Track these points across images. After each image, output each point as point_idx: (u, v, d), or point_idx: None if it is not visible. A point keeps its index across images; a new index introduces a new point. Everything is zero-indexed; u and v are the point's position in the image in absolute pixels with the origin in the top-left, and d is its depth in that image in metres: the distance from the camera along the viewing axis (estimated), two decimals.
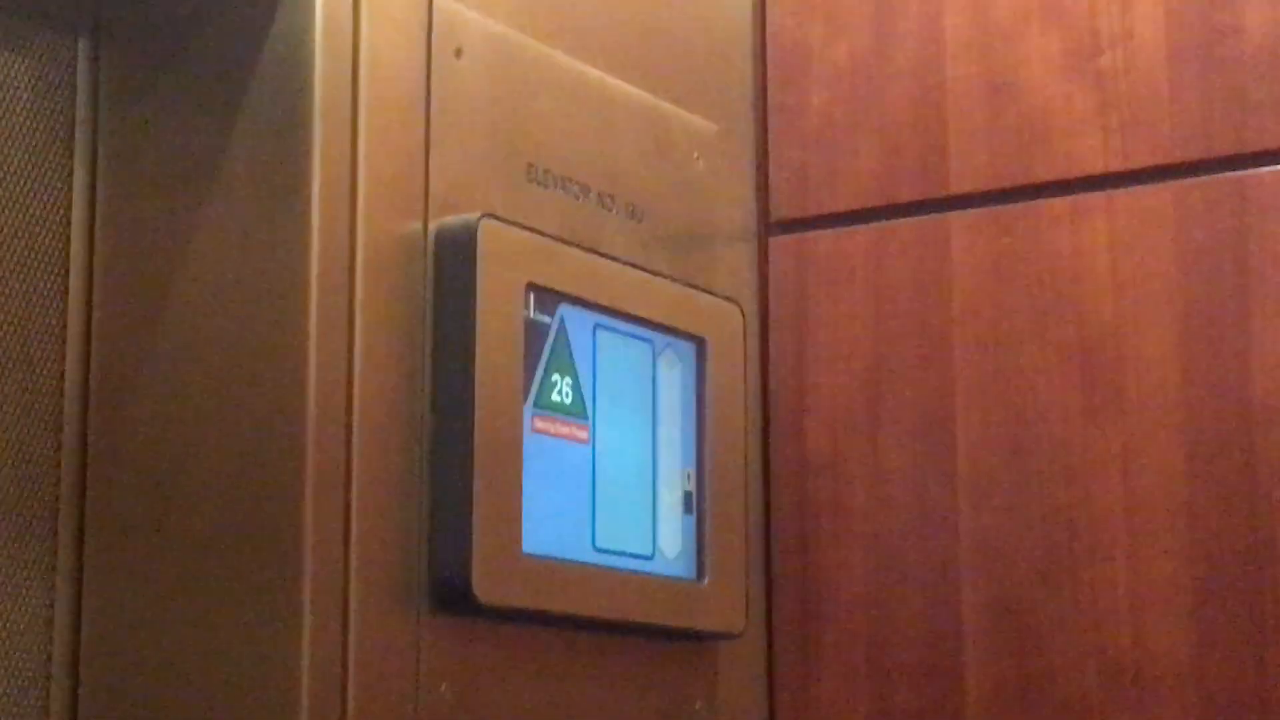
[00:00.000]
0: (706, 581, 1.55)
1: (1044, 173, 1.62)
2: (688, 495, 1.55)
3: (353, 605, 1.30)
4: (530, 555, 1.39)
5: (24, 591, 1.34)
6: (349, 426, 1.31)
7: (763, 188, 1.73)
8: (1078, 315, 1.59)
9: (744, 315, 1.62)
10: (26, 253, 1.37)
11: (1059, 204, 1.61)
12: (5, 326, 1.35)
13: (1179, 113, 1.57)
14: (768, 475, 1.69)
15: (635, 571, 1.49)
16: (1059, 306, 1.60)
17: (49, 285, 1.38)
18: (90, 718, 1.34)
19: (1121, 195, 1.59)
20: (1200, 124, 1.56)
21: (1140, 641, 1.53)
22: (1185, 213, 1.56)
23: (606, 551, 1.47)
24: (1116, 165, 1.59)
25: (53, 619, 1.35)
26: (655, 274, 1.55)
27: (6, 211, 1.36)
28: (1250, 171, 1.54)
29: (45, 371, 1.37)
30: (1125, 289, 1.58)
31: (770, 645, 1.66)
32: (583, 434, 1.46)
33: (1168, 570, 1.53)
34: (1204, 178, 1.56)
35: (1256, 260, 1.53)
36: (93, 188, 1.39)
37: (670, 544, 1.53)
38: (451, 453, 1.35)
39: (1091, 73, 1.61)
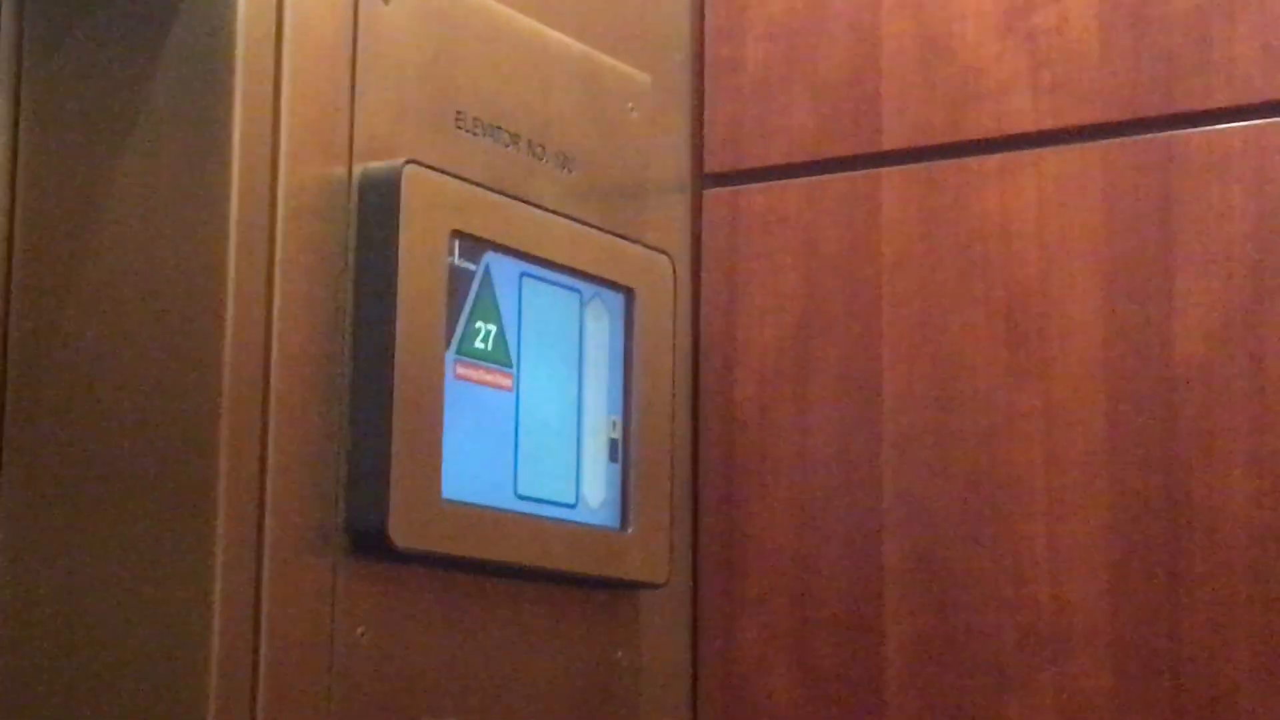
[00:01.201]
0: (630, 531, 1.56)
1: (975, 130, 1.62)
2: (613, 443, 1.56)
3: (267, 548, 1.30)
4: (450, 501, 1.40)
5: None
6: (267, 369, 1.31)
7: (697, 140, 1.73)
8: (1005, 273, 1.60)
9: (675, 267, 1.62)
10: None
11: (989, 161, 1.62)
12: None
13: (1109, 73, 1.58)
14: (695, 427, 1.69)
15: (558, 519, 1.50)
16: (986, 264, 1.60)
17: None
18: (2, 663, 1.35)
19: (1050, 154, 1.59)
20: (1129, 85, 1.57)
21: (1058, 598, 1.54)
22: (1113, 173, 1.57)
23: (529, 499, 1.48)
24: (1046, 124, 1.60)
25: None
26: (585, 224, 1.55)
27: None
28: (1178, 132, 1.55)
29: None
30: (1052, 247, 1.58)
31: (694, 596, 1.67)
32: (506, 381, 1.47)
33: (1087, 528, 1.54)
34: (1132, 138, 1.57)
35: (1181, 221, 1.54)
36: (15, 131, 1.39)
37: (594, 493, 1.54)
38: (370, 397, 1.36)
39: (1024, 32, 1.61)
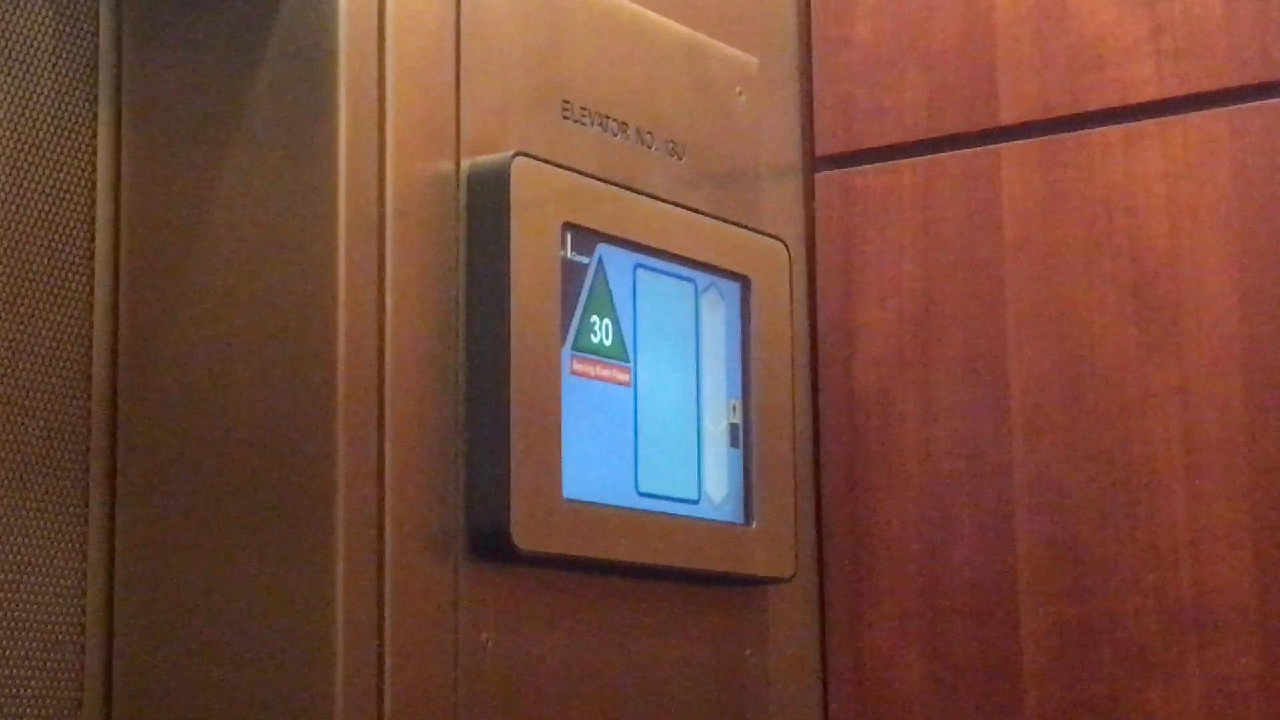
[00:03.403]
0: (754, 525, 1.52)
1: (1096, 101, 1.57)
2: (733, 428, 1.52)
3: (388, 555, 1.27)
4: (571, 500, 1.36)
5: (56, 542, 1.32)
6: (381, 372, 1.28)
7: (807, 122, 1.69)
8: (1132, 247, 1.55)
9: (790, 253, 1.58)
10: (51, 200, 1.34)
11: (1112, 133, 1.56)
12: (32, 277, 1.33)
13: (1235, 35, 1.52)
14: (816, 416, 1.65)
15: (680, 516, 1.46)
16: (1113, 238, 1.55)
17: (75, 237, 1.35)
18: (124, 668, 1.33)
19: (1176, 122, 1.54)
20: (1257, 46, 1.52)
21: (1201, 582, 1.49)
22: (1242, 138, 1.51)
23: (650, 496, 1.44)
24: (1171, 91, 1.55)
25: (85, 571, 1.33)
26: (697, 212, 1.51)
27: (30, 158, 1.34)
28: None
29: (73, 321, 1.34)
30: (1181, 219, 1.53)
31: (821, 590, 1.63)
32: (624, 376, 1.43)
33: (1228, 508, 1.49)
34: (1261, 102, 1.51)
35: None
36: (117, 131, 1.37)
37: (716, 488, 1.50)
38: (487, 397, 1.32)
39: None
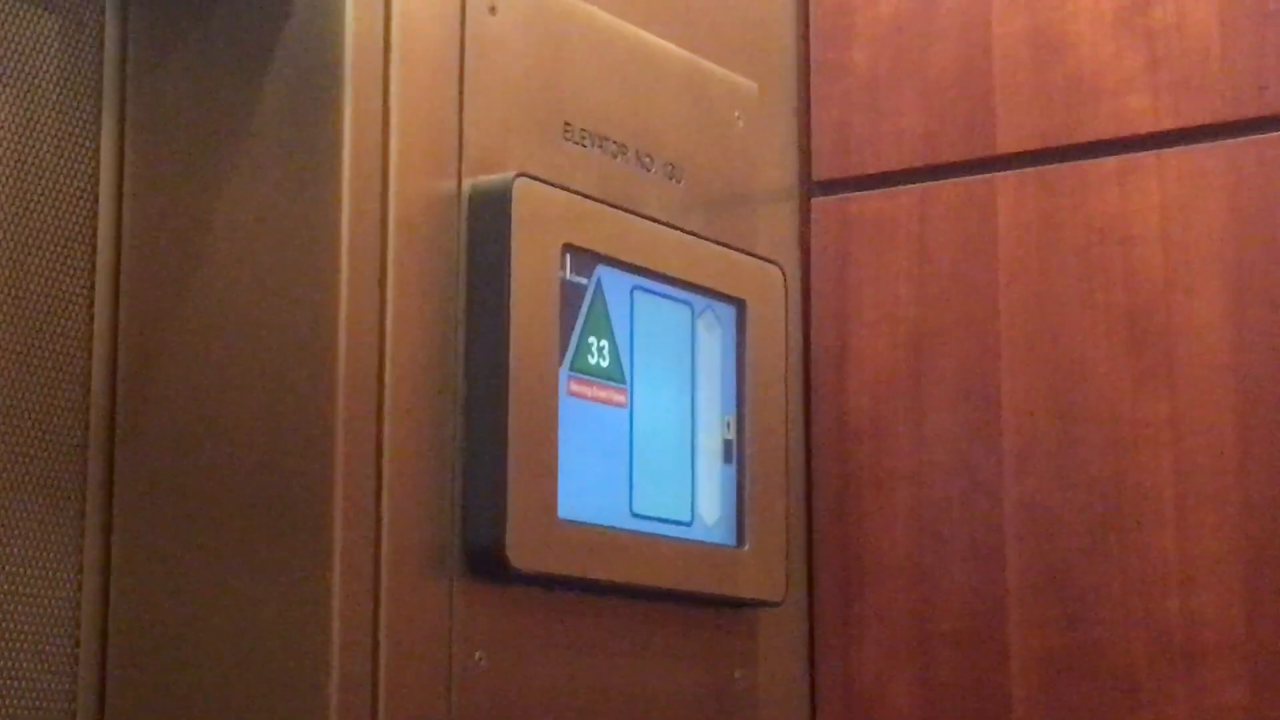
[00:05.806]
0: (746, 548, 1.53)
1: (1092, 132, 1.58)
2: (727, 444, 1.52)
3: (384, 572, 1.27)
4: (566, 521, 1.37)
5: (52, 560, 1.32)
6: (381, 390, 1.29)
7: (804, 148, 1.69)
8: (1127, 278, 1.56)
9: (785, 277, 1.59)
10: (54, 214, 1.35)
11: (1108, 164, 1.57)
12: (33, 289, 1.33)
13: (1231, 69, 1.53)
14: (809, 440, 1.66)
15: (674, 538, 1.47)
16: (1107, 269, 1.56)
17: (77, 247, 1.36)
18: (119, 685, 1.33)
19: (1172, 155, 1.55)
20: (1253, 81, 1.53)
21: (1190, 610, 1.50)
22: (1238, 172, 1.52)
23: (644, 517, 1.44)
24: (1167, 124, 1.56)
25: (81, 586, 1.33)
26: (694, 235, 1.52)
27: (34, 171, 1.34)
28: None
29: (73, 337, 1.35)
30: (1176, 251, 1.54)
31: (811, 613, 1.64)
32: (620, 398, 1.44)
33: (1218, 538, 1.50)
34: (1258, 136, 1.52)
35: None
36: (121, 146, 1.37)
37: (710, 510, 1.51)
38: (485, 416, 1.33)
39: (1141, 29, 1.57)
